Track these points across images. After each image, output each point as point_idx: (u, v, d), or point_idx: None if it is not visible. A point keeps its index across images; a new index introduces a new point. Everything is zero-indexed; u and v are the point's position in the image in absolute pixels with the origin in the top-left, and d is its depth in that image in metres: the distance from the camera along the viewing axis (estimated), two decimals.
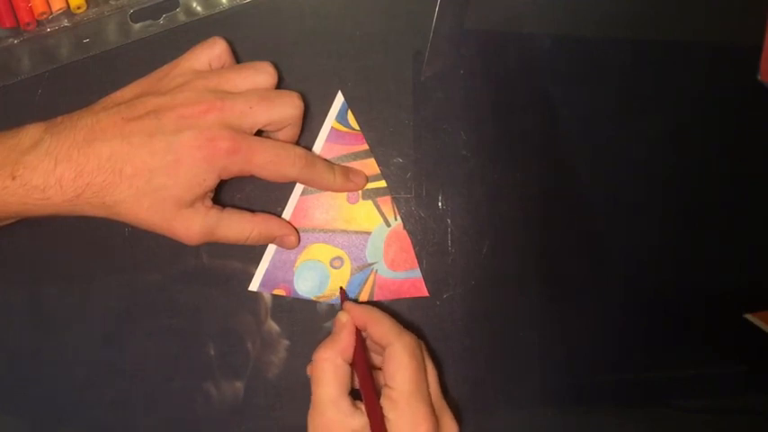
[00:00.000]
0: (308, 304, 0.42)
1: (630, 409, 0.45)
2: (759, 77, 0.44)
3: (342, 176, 0.41)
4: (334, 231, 0.42)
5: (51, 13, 0.40)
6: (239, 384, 0.42)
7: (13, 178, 0.34)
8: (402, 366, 0.36)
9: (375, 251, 0.43)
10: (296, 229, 0.41)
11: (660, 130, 0.44)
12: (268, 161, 0.37)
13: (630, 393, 0.45)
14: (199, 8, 0.42)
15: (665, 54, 0.44)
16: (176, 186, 0.35)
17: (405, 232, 0.43)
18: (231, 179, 0.38)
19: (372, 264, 0.43)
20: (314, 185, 0.41)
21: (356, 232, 0.43)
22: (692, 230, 0.45)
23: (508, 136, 0.43)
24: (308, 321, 0.42)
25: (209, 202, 0.38)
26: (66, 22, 0.41)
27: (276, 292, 0.42)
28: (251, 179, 0.39)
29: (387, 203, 0.43)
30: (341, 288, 0.42)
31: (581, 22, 0.44)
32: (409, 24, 0.43)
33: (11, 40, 0.41)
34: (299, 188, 0.42)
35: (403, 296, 0.43)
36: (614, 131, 0.44)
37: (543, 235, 0.44)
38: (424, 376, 0.37)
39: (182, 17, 0.42)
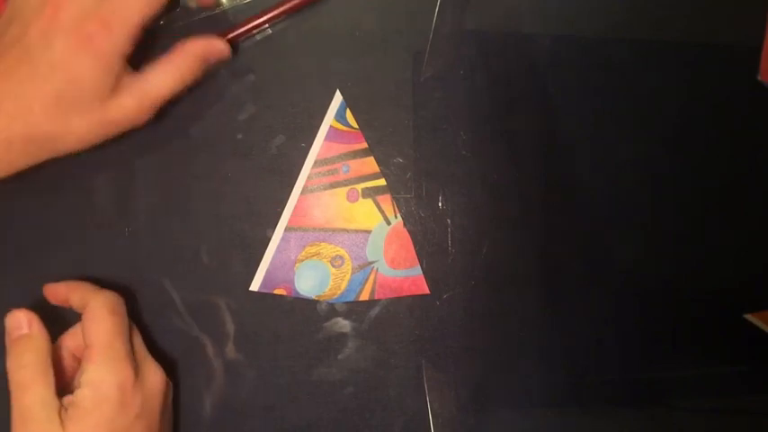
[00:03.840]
0: (309, 304, 0.42)
1: (630, 409, 0.45)
2: (759, 77, 0.44)
3: None
4: (334, 230, 0.42)
5: None
6: (239, 384, 0.42)
7: None
8: (98, 320, 0.36)
9: (375, 249, 0.43)
10: (221, 39, 0.40)
11: (660, 130, 0.44)
12: (144, 3, 0.36)
13: (630, 393, 0.45)
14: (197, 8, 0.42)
15: (665, 54, 0.44)
16: (84, 80, 0.35)
17: (405, 230, 0.43)
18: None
19: (373, 262, 0.43)
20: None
21: (356, 231, 0.43)
22: (691, 230, 0.45)
23: (508, 136, 0.43)
24: (308, 321, 0.42)
25: (127, 76, 0.37)
26: None
27: (277, 291, 0.42)
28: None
29: (387, 202, 0.43)
30: None
31: (581, 22, 0.44)
32: (409, 24, 0.43)
33: None
34: (298, 187, 0.42)
35: (404, 294, 0.43)
36: (614, 131, 0.44)
37: (543, 235, 0.44)
38: (125, 329, 0.37)
39: (181, 17, 0.42)
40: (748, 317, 0.44)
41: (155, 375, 0.38)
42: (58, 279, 0.41)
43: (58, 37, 0.35)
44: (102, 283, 0.41)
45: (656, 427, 0.45)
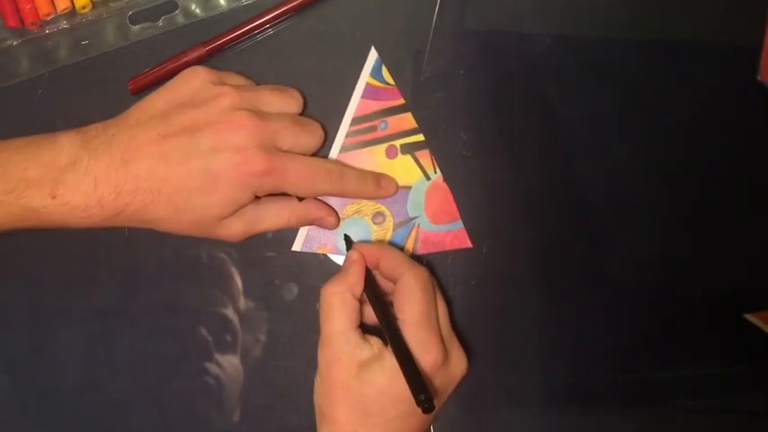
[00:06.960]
0: (309, 304, 0.42)
1: (630, 409, 0.45)
2: (759, 77, 0.44)
3: (374, 184, 0.41)
4: None
5: (57, 12, 0.40)
6: (239, 384, 0.42)
7: (54, 197, 0.34)
8: (412, 296, 0.36)
9: (416, 205, 0.42)
10: (335, 211, 0.41)
11: (660, 129, 0.44)
12: (301, 178, 0.37)
13: (630, 393, 0.45)
14: (198, 10, 0.42)
15: (665, 54, 0.44)
16: (214, 205, 0.36)
17: (445, 185, 0.42)
18: None
19: (414, 218, 0.42)
20: (347, 196, 0.41)
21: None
22: (692, 230, 0.45)
23: (508, 136, 0.43)
24: (308, 321, 0.42)
25: (248, 206, 0.38)
26: (65, 24, 0.41)
27: (318, 250, 0.42)
28: None
29: (425, 157, 0.42)
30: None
31: (581, 22, 0.44)
32: (409, 24, 0.43)
33: (9, 41, 0.41)
34: (336, 147, 0.42)
35: (446, 248, 0.43)
36: (614, 131, 0.44)
37: (543, 235, 0.44)
38: (434, 308, 0.37)
39: (180, 19, 0.42)
40: (748, 317, 0.44)
41: (460, 362, 0.38)
42: (58, 278, 0.41)
43: (227, 150, 0.35)
44: (102, 282, 0.41)
45: (656, 427, 0.45)
